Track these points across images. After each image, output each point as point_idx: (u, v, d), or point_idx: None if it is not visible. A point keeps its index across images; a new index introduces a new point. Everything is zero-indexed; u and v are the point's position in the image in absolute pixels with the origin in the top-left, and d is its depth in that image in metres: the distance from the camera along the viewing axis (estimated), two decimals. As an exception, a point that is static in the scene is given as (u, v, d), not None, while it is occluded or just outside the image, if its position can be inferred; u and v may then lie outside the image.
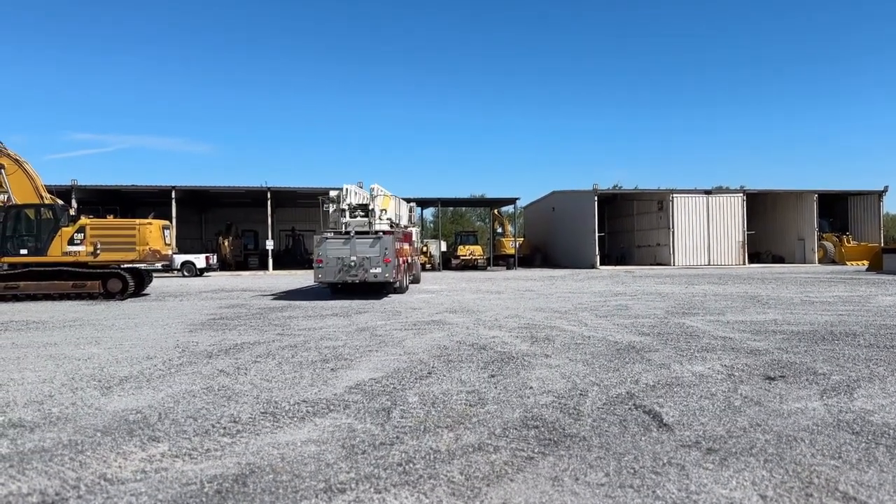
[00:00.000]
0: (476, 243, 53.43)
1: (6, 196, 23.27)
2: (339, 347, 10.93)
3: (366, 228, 21.93)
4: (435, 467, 4.95)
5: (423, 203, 61.58)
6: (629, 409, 6.60)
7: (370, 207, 22.66)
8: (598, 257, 50.23)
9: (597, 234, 50.39)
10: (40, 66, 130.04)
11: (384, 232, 21.63)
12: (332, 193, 23.46)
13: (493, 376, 8.33)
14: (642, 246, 55.87)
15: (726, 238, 51.08)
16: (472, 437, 5.71)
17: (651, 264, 51.98)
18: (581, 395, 7.25)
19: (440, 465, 4.98)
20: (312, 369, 8.99)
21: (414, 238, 29.21)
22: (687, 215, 50.94)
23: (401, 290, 23.39)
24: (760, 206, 55.16)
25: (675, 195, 51.00)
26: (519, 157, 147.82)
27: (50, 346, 11.59)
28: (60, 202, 24.28)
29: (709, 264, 50.17)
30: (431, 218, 78.12)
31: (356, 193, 23.55)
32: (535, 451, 5.32)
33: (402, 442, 5.58)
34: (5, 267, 22.96)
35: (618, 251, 59.25)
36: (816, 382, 7.74)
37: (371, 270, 21.04)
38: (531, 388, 7.63)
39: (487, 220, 77.23)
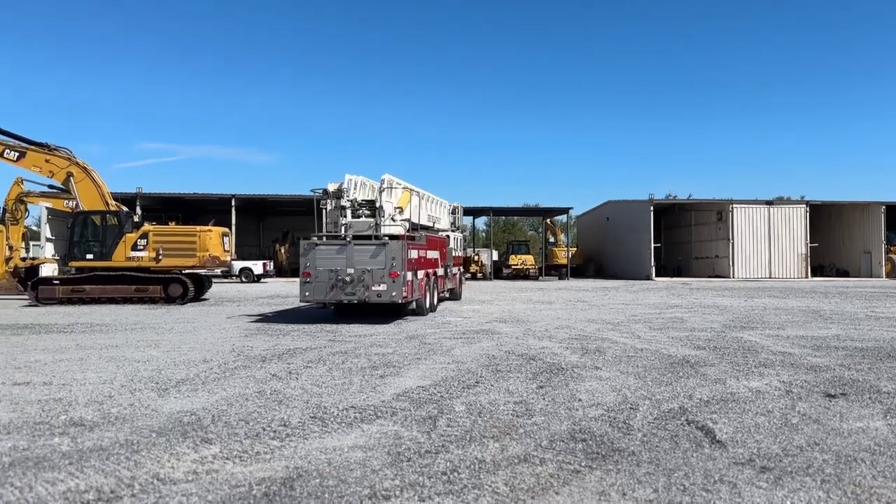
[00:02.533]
0: (528, 253, 53.14)
1: (74, 203, 24.26)
2: (388, 354, 11.01)
3: (370, 232, 17.03)
4: (479, 477, 4.93)
5: (474, 212, 61.60)
6: (681, 424, 6.45)
7: (377, 204, 17.64)
8: (654, 268, 49.31)
9: (652, 245, 49.50)
10: (115, 78, 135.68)
11: (391, 237, 16.64)
12: (331, 187, 17.85)
13: (541, 387, 8.26)
14: (700, 257, 54.62)
15: (788, 250, 49.53)
16: (518, 448, 5.67)
17: (709, 276, 50.75)
18: (632, 408, 7.12)
19: (485, 476, 4.96)
20: (362, 376, 9.08)
21: (452, 245, 23.25)
22: (747, 226, 49.61)
23: (420, 311, 18.23)
24: (824, 218, 53.33)
25: (734, 205, 49.76)
26: (572, 166, 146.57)
27: (112, 349, 12.00)
28: (125, 209, 25.17)
29: (770, 277, 48.70)
30: (483, 227, 78.10)
31: (363, 186, 18.41)
32: (582, 464, 5.24)
33: (447, 451, 5.58)
34: (73, 271, 23.92)
35: (674, 263, 58.06)
36: (880, 401, 7.43)
37: (373, 287, 16.21)
38: (580, 400, 7.54)
39: (540, 230, 76.80)
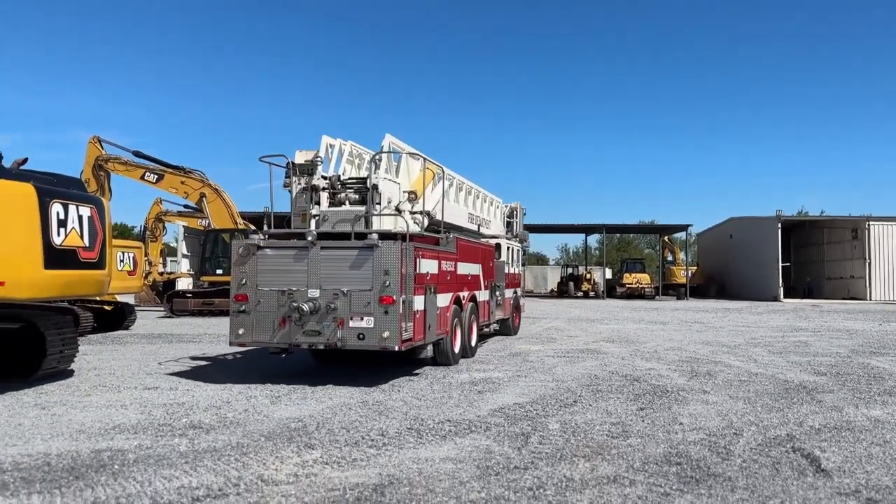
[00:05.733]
0: (643, 271, 51.69)
1: (207, 221, 26.14)
2: (489, 371, 11.13)
3: (351, 227, 10.42)
4: (565, 495, 4.95)
5: (587, 229, 60.72)
6: (786, 451, 6.17)
7: (370, 182, 10.52)
8: (782, 289, 46.58)
9: (780, 265, 46.83)
10: (252, 106, 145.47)
11: (383, 235, 10.04)
12: (300, 157, 10.82)
13: (641, 409, 8.10)
14: (833, 278, 51.12)
15: (934, 270, 45.46)
16: (608, 468, 5.63)
17: (843, 298, 47.37)
18: (735, 434, 6.87)
19: (570, 494, 4.98)
20: (461, 391, 9.25)
21: (504, 257, 16.71)
22: (886, 245, 46.02)
23: (444, 359, 11.66)
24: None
25: (871, 222, 46.32)
26: (692, 182, 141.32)
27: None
28: (252, 227, 26.83)
29: (913, 299, 44.88)
30: (596, 245, 76.69)
31: (354, 159, 12.00)
32: (674, 487, 5.14)
33: (536, 467, 5.63)
34: (205, 285, 25.71)
35: (804, 283, 54.61)
36: None
37: (352, 323, 9.59)
38: (681, 423, 7.34)
39: (657, 248, 74.55)
